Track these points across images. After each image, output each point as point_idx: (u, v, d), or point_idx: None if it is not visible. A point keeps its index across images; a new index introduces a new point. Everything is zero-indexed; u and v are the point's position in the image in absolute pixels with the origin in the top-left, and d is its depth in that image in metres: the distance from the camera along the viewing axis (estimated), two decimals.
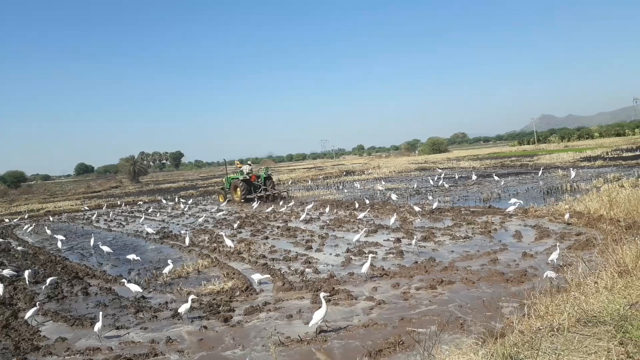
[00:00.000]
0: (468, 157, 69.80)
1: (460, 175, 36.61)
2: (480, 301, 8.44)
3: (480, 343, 5.44)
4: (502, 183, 27.79)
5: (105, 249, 16.38)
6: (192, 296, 9.15)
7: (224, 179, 36.39)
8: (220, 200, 33.44)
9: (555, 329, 5.42)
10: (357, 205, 22.24)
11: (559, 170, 33.10)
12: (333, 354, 6.80)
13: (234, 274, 11.99)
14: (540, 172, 31.68)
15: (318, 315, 7.58)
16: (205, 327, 8.45)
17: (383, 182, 37.24)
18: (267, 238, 16.78)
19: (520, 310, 7.07)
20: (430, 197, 23.43)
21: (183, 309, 8.81)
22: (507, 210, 16.90)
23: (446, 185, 29.37)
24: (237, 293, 10.35)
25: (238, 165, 34.36)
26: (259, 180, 31.85)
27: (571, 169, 29.81)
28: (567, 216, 14.54)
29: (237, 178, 31.81)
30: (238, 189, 31.40)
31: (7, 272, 13.82)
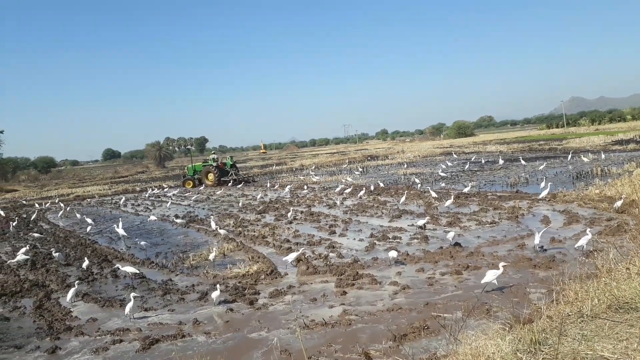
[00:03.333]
0: (495, 141, 68.52)
1: (486, 160, 36.02)
2: (507, 287, 8.33)
3: (507, 329, 5.37)
4: (543, 166, 26.35)
5: (120, 232, 16.98)
6: (218, 288, 9.17)
7: (186, 169, 40.18)
8: (187, 186, 37.10)
9: (585, 315, 5.31)
10: (372, 188, 22.39)
11: (589, 154, 32.22)
12: (358, 338, 6.82)
13: (259, 257, 12.11)
14: (569, 156, 30.91)
15: (492, 275, 7.91)
16: (232, 310, 8.57)
17: (405, 165, 37.02)
18: (291, 222, 16.84)
19: (549, 296, 6.95)
20: (461, 184, 23.12)
21: (214, 295, 8.85)
22: (540, 195, 16.46)
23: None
24: (262, 276, 10.46)
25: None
26: (226, 167, 37.61)
27: (602, 152, 28.99)
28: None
29: (210, 165, 36.98)
30: (211, 174, 36.28)
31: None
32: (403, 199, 18.49)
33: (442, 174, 27.45)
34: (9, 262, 14.07)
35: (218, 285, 9.14)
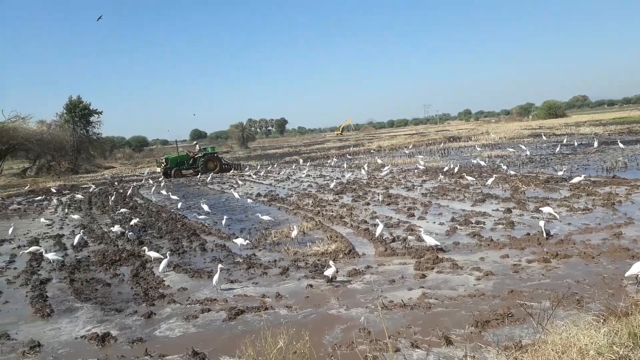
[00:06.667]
0: (589, 122, 63.54)
1: (580, 143, 33.65)
2: (601, 277, 7.81)
3: (601, 321, 5.06)
4: None
5: (205, 208, 18.03)
6: (331, 263, 9.12)
7: (165, 160, 40.21)
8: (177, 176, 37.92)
9: None
10: (455, 170, 21.57)
11: None
12: (438, 321, 6.74)
13: (337, 237, 12.27)
14: None
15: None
16: (311, 286, 8.80)
17: (477, 147, 35.45)
18: (368, 204, 16.85)
19: None
20: (551, 167, 21.84)
21: (330, 272, 8.89)
22: None
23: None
24: (341, 255, 10.61)
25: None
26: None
27: None
28: None
29: (213, 153, 40.57)
30: (214, 162, 38.85)
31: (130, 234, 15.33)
32: (490, 181, 17.85)
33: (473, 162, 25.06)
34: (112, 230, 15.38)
35: (332, 262, 9.12)
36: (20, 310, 9.09)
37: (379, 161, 33.35)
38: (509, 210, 13.45)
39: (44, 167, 53.42)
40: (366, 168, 28.09)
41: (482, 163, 25.09)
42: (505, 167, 22.87)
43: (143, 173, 44.01)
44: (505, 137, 47.84)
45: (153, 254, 11.61)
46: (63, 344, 7.34)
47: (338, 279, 9.02)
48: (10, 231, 16.20)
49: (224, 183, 29.72)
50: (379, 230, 11.69)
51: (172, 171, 38.45)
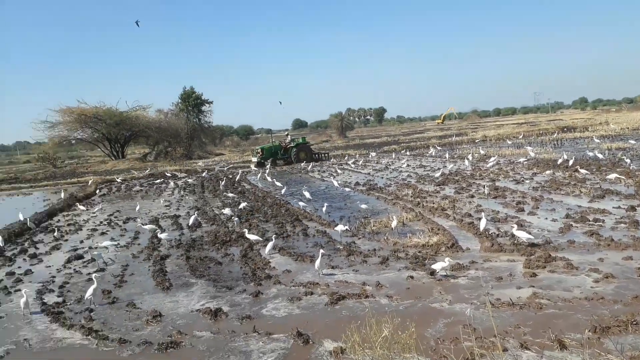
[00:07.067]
0: None
1: None
2: None
3: None
4: None
5: (307, 195, 18.52)
6: (447, 259, 8.83)
7: (260, 150, 39.51)
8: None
9: None
10: (559, 161, 20.08)
11: None
12: (550, 323, 6.35)
13: (438, 229, 11.99)
14: None
15: None
16: (412, 277, 8.72)
17: (595, 139, 32.25)
18: (472, 197, 16.22)
19: None
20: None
21: (439, 266, 8.73)
22: None
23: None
24: (443, 249, 10.37)
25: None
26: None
27: None
28: None
29: (305, 144, 40.33)
30: (304, 153, 38.59)
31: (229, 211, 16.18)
32: (611, 176, 16.34)
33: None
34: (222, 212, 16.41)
35: (448, 259, 8.80)
36: (144, 283, 10.08)
37: (483, 152, 31.90)
38: (633, 208, 12.22)
39: (162, 152, 58.26)
40: (470, 158, 27.03)
41: (600, 156, 23.04)
42: (628, 161, 20.75)
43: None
44: (627, 128, 43.33)
45: (252, 237, 12.20)
46: (181, 316, 8.02)
47: (440, 272, 8.85)
48: (137, 209, 18.01)
49: (324, 171, 30.27)
50: (482, 224, 11.23)
51: (269, 161, 38.61)
